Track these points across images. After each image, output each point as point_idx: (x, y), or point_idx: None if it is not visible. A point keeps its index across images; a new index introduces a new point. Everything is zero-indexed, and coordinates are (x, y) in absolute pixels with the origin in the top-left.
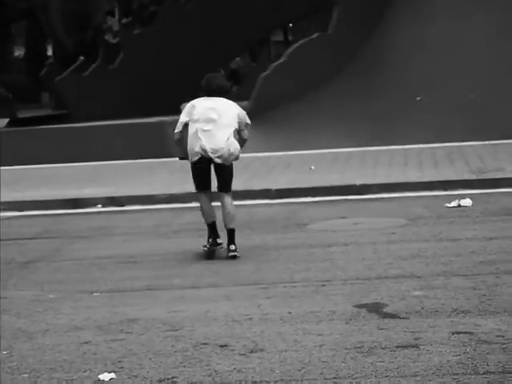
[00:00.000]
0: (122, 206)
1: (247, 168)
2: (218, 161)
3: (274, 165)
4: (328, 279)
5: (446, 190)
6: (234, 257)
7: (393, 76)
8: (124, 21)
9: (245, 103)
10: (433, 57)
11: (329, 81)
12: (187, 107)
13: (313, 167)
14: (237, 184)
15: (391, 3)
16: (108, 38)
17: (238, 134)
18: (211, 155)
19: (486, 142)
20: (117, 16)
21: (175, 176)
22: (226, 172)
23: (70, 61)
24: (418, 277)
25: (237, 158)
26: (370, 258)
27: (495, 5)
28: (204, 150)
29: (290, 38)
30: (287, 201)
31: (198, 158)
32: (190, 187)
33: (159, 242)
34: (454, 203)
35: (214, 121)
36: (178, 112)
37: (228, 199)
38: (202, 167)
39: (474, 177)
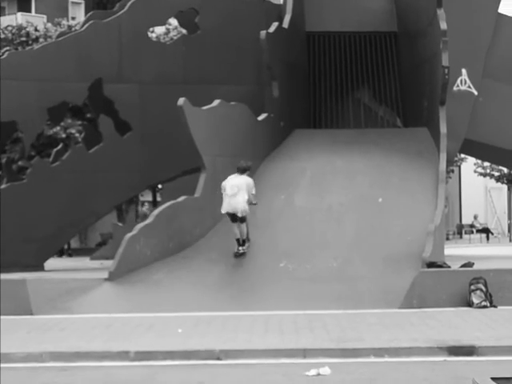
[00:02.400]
0: None
1: (108, 328)
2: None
3: (135, 326)
4: None
5: (305, 357)
6: (244, 253)
7: (255, 243)
8: None
9: (110, 262)
10: (296, 225)
11: (193, 243)
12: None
13: (180, 330)
14: (95, 345)
15: (257, 174)
16: None
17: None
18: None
19: (348, 311)
20: None
21: (33, 334)
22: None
23: None
24: None
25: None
26: None
27: (354, 173)
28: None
29: (159, 198)
30: (146, 363)
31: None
32: (48, 346)
33: None
34: (313, 371)
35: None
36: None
37: (242, 226)
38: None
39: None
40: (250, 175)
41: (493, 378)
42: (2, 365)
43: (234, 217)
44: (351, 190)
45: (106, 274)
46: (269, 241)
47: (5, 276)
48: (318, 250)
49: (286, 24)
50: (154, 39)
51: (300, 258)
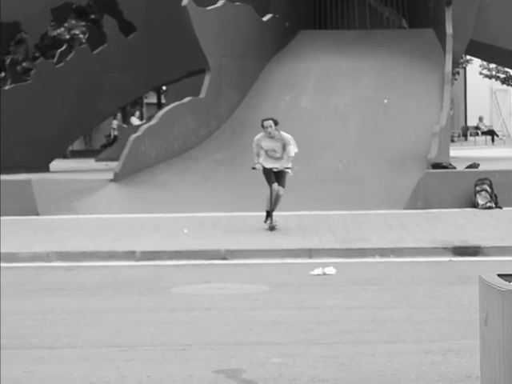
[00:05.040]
0: None
1: (113, 229)
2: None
3: (140, 227)
4: (188, 343)
5: (310, 257)
6: (274, 227)
7: None
8: None
9: (115, 164)
10: (301, 126)
11: (198, 144)
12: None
13: (186, 230)
14: (101, 245)
15: (263, 74)
16: None
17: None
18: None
19: (353, 212)
20: None
21: (39, 234)
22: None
23: None
24: (278, 344)
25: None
26: (232, 324)
27: (359, 74)
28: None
29: (163, 100)
30: (152, 263)
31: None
32: (54, 246)
33: (20, 300)
34: (317, 271)
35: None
36: (46, 169)
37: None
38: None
39: None
40: (254, 76)
41: (499, 275)
42: (9, 264)
43: (277, 175)
44: (356, 92)
45: (111, 175)
46: None
47: (10, 177)
48: (322, 152)
49: None
50: None
51: (305, 159)
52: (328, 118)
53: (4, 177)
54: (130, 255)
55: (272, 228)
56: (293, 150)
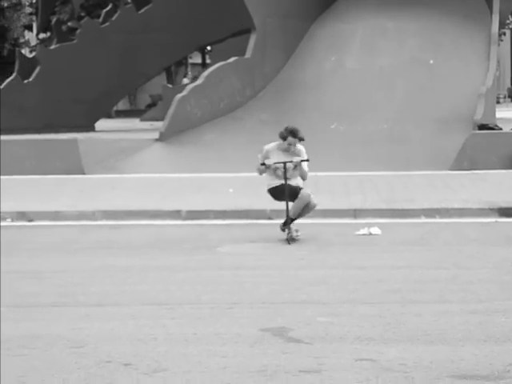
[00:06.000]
0: (31, 221)
1: (159, 188)
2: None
3: (186, 186)
4: (235, 302)
5: (356, 218)
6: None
7: (306, 104)
8: (41, 35)
9: (160, 123)
10: (347, 87)
11: (243, 104)
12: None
13: (231, 190)
14: (148, 204)
15: (308, 35)
16: (25, 51)
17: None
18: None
19: (398, 173)
20: (34, 30)
21: (85, 193)
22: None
23: None
24: (324, 303)
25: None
26: (278, 283)
27: (405, 35)
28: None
29: (208, 60)
30: (198, 222)
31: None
32: (100, 204)
33: (67, 258)
34: (363, 231)
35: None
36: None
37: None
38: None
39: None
40: (299, 37)
41: None
42: (56, 223)
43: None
44: (402, 53)
45: (156, 135)
46: (319, 102)
47: (56, 136)
48: (368, 112)
49: None
50: None
51: (351, 119)
52: (373, 79)
53: (50, 136)
54: (175, 214)
55: (291, 240)
56: (306, 166)
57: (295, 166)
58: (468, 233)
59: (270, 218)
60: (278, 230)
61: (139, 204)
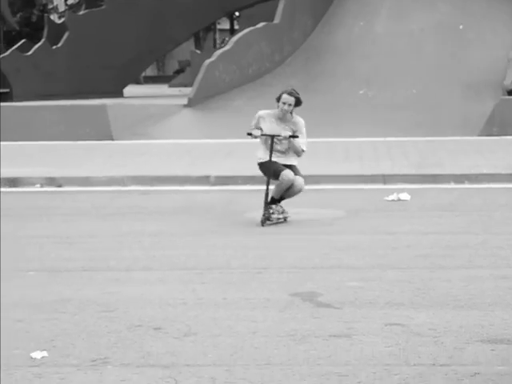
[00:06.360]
0: (61, 186)
1: (187, 154)
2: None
3: (214, 152)
4: (264, 267)
5: (385, 183)
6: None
7: (335, 69)
8: (70, 1)
9: (189, 89)
10: (376, 52)
11: (272, 70)
12: None
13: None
14: (176, 170)
15: (335, 1)
16: (53, 17)
17: None
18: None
19: (427, 138)
20: None
21: (114, 159)
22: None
23: (14, 39)
24: (354, 268)
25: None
26: (307, 248)
27: (433, 3)
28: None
29: (236, 26)
30: (226, 188)
31: None
32: (129, 170)
33: (96, 223)
34: (392, 197)
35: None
36: (120, 95)
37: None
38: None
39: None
40: (328, 2)
41: None
42: (85, 188)
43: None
44: (431, 17)
45: (184, 101)
46: (348, 68)
47: (85, 102)
48: (397, 77)
49: None
50: None
51: (380, 85)
52: (403, 44)
53: (79, 102)
54: (204, 180)
55: (265, 221)
56: (304, 142)
57: (288, 141)
58: (497, 198)
59: None
60: (308, 195)
61: (168, 170)
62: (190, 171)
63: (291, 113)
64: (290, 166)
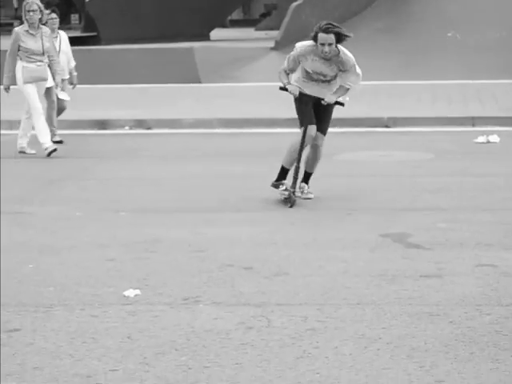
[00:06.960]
0: (150, 128)
1: (275, 97)
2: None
3: None
4: (353, 208)
5: (474, 126)
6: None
7: (422, 12)
8: None
9: (275, 32)
10: None
11: (358, 13)
12: None
13: (347, 98)
14: (264, 112)
15: None
16: None
17: None
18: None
19: None
20: None
21: (202, 101)
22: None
23: None
24: (444, 210)
25: None
26: (396, 190)
27: None
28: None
29: None
30: None
31: None
32: (216, 112)
33: (185, 165)
34: (481, 139)
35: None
36: (207, 38)
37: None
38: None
39: None
40: None
41: None
42: (173, 130)
43: (319, 110)
44: None
45: (271, 44)
46: (436, 10)
47: (172, 45)
48: (486, 19)
49: None
50: None
51: (468, 27)
52: None
53: (166, 45)
54: (291, 122)
55: (290, 201)
56: (356, 80)
57: (330, 81)
58: None
59: (386, 126)
60: (395, 137)
61: (255, 112)
62: (277, 114)
63: (337, 48)
64: (328, 106)
